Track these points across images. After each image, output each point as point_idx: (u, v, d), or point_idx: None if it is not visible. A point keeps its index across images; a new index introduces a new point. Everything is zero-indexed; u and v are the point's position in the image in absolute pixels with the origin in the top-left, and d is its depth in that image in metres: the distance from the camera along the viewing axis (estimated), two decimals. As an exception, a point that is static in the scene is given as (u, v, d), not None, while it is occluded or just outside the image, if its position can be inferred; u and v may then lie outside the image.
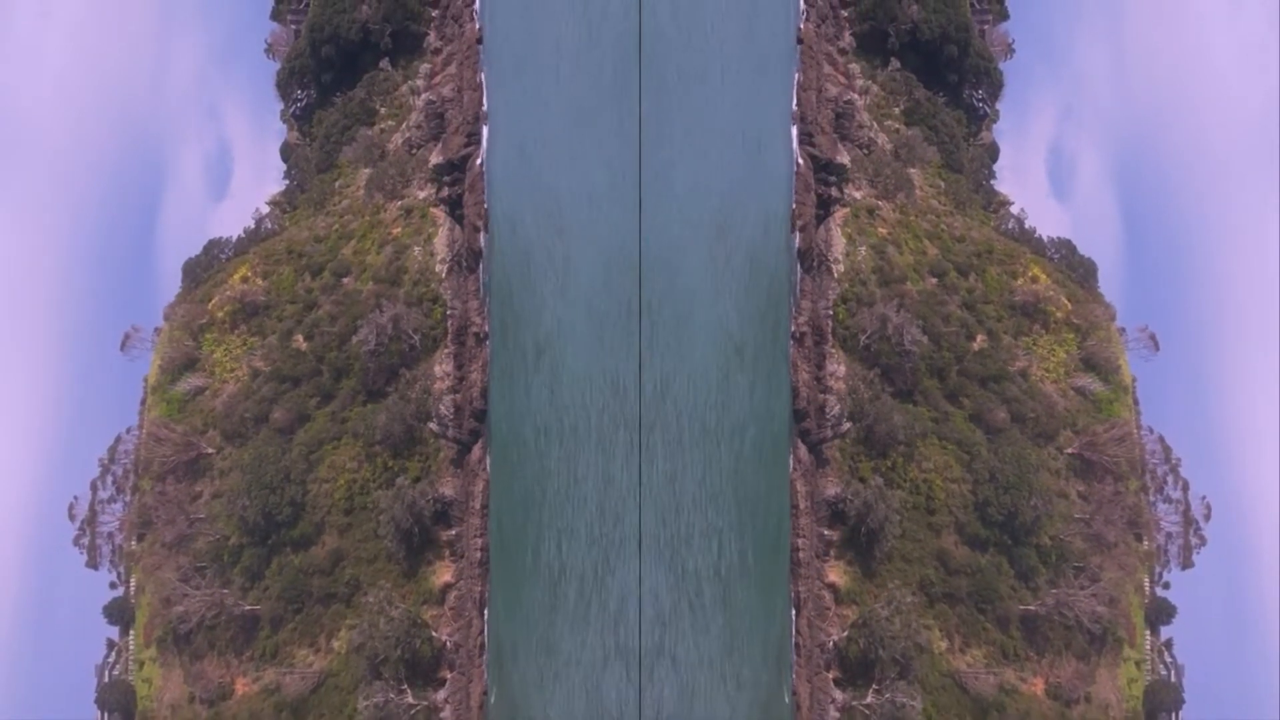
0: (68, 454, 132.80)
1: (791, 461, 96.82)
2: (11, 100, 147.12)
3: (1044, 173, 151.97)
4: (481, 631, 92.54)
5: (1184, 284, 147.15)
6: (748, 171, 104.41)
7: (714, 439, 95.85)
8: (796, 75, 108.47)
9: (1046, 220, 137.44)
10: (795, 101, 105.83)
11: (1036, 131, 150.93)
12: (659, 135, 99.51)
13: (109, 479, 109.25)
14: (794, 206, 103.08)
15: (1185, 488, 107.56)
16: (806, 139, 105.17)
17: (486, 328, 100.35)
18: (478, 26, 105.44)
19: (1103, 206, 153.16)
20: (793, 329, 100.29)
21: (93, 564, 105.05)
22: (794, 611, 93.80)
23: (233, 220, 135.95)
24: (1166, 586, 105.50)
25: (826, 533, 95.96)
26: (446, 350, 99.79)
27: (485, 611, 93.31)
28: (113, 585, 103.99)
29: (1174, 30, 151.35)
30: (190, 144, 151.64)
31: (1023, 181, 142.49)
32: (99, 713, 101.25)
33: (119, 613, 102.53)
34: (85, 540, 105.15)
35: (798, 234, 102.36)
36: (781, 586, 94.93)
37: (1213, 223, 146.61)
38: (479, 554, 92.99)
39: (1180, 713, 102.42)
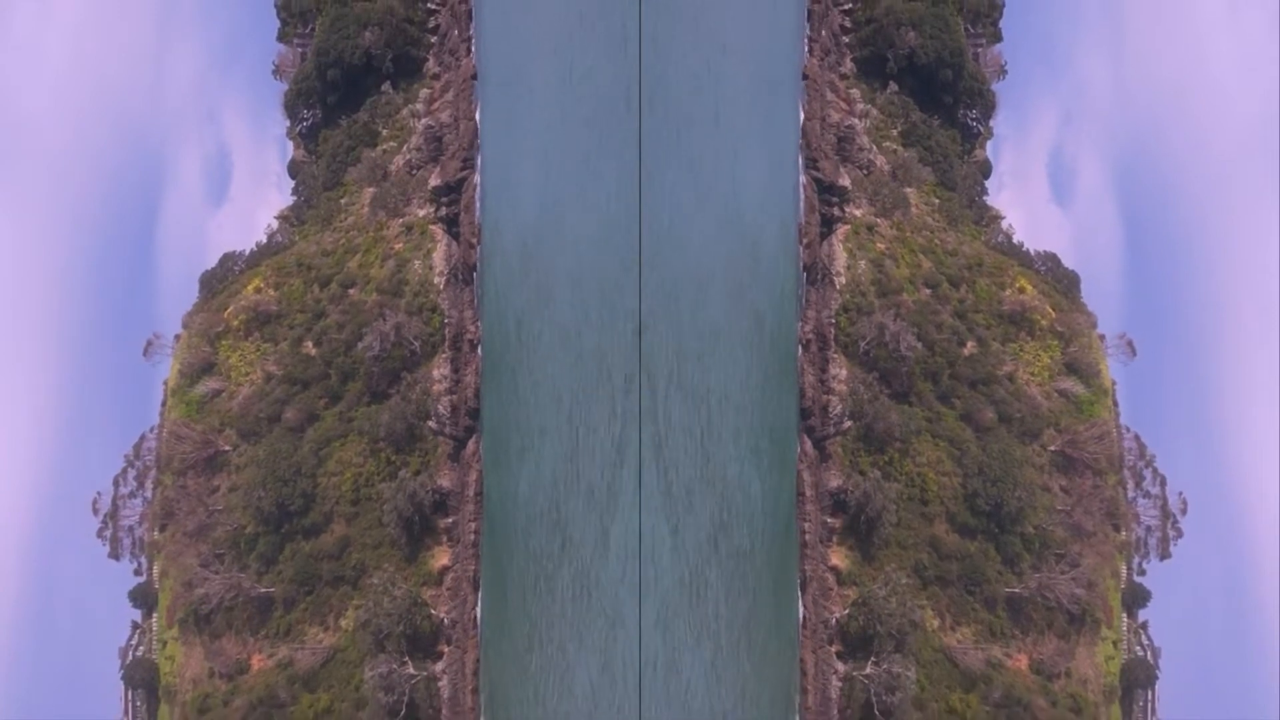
0: (69, 453, 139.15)
1: (798, 455, 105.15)
2: (12, 103, 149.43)
3: (1045, 179, 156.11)
4: (475, 607, 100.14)
5: (1185, 287, 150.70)
6: (758, 193, 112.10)
7: (723, 436, 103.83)
8: (801, 107, 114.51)
9: (1048, 225, 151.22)
10: (801, 131, 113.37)
11: (1037, 138, 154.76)
12: (662, 160, 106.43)
13: (130, 475, 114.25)
14: (800, 225, 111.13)
15: (1163, 483, 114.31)
16: (811, 164, 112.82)
17: (480, 335, 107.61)
18: (473, 62, 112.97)
19: (1104, 211, 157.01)
20: (799, 336, 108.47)
21: (115, 555, 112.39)
22: (800, 590, 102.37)
23: (232, 224, 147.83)
24: (1142, 573, 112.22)
25: (829, 520, 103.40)
26: (444, 355, 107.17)
27: (479, 590, 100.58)
28: (136, 573, 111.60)
29: (1174, 36, 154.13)
30: (189, 148, 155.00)
31: (1024, 188, 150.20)
32: (124, 689, 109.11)
33: (142, 597, 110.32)
34: (108, 533, 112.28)
35: (803, 250, 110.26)
36: (789, 567, 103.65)
37: (1213, 226, 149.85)
38: (473, 538, 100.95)
39: (1155, 688, 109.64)
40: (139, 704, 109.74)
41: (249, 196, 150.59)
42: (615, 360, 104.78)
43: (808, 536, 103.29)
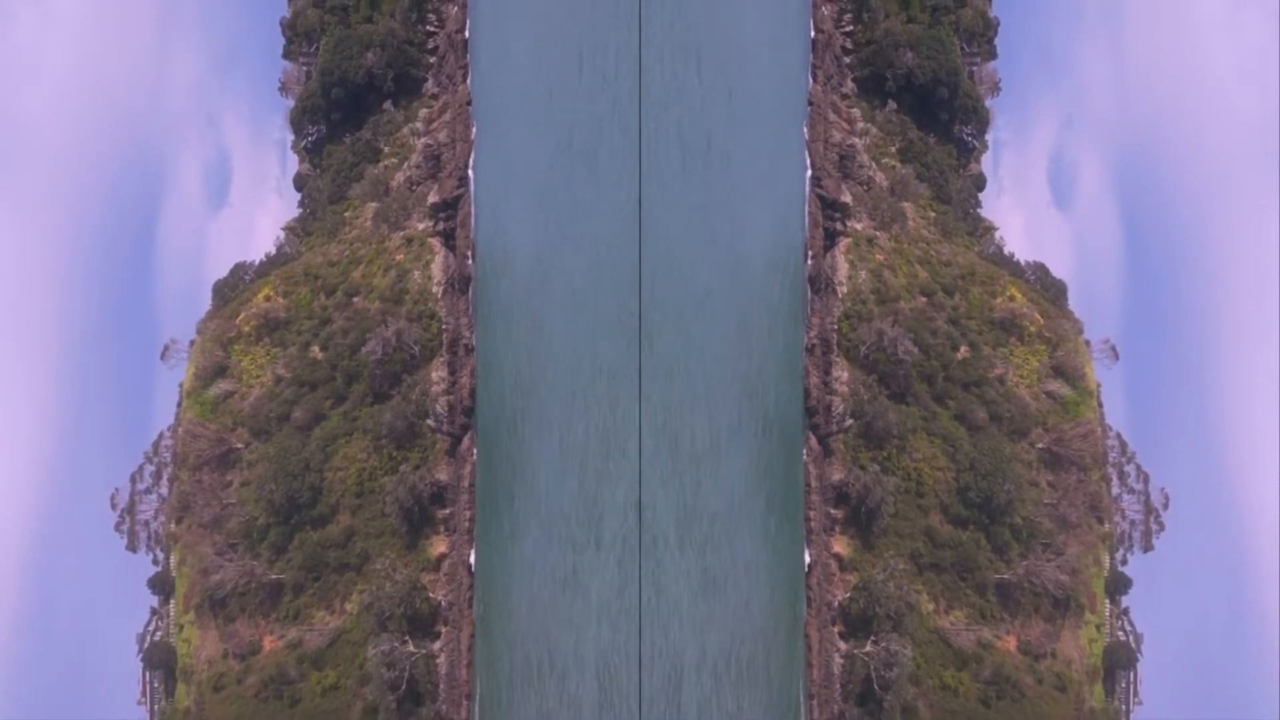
0: (69, 453, 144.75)
1: (804, 450, 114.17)
2: (12, 105, 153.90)
3: (1045, 182, 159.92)
4: (469, 588, 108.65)
5: (1185, 288, 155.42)
6: (766, 212, 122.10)
7: (729, 434, 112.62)
8: (806, 130, 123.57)
9: (1048, 229, 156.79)
10: (806, 152, 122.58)
11: (1038, 142, 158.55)
12: (665, 183, 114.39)
13: (146, 471, 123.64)
14: (805, 239, 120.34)
15: (1146, 480, 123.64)
16: (816, 182, 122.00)
17: (474, 340, 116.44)
18: (468, 88, 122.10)
19: (1104, 214, 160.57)
20: (805, 341, 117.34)
21: (132, 547, 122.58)
22: (806, 574, 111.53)
23: (232, 227, 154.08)
24: (1124, 563, 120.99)
25: (832, 511, 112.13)
26: (441, 359, 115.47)
27: (473, 574, 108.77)
28: (154, 563, 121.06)
29: (1174, 40, 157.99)
30: (190, 151, 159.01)
31: (1024, 192, 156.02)
32: (142, 670, 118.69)
33: (160, 584, 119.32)
34: (125, 526, 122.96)
35: (808, 262, 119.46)
36: (795, 554, 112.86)
37: (1214, 227, 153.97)
38: (468, 526, 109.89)
39: (1137, 670, 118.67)
40: (157, 685, 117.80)
41: (249, 201, 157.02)
42: (613, 364, 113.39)
43: (813, 525, 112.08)
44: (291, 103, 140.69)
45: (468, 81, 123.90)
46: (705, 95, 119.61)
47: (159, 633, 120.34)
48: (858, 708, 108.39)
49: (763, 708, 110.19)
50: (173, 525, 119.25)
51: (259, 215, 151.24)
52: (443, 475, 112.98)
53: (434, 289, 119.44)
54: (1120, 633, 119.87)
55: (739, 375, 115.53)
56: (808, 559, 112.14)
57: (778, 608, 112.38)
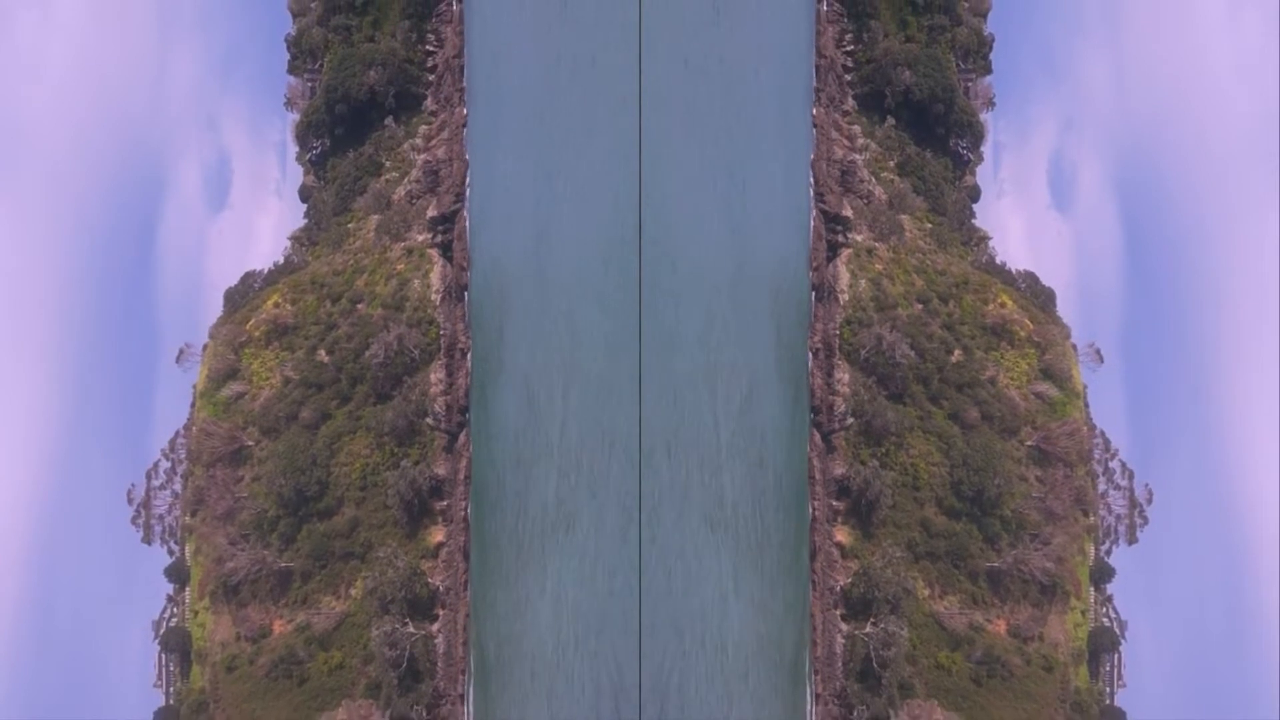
0: (70, 454, 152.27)
1: (809, 446, 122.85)
2: (12, 109, 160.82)
3: (1045, 184, 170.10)
4: (465, 573, 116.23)
5: (1185, 289, 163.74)
6: (774, 226, 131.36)
7: (736, 432, 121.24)
8: (811, 150, 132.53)
9: (1048, 231, 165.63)
10: (811, 171, 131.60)
11: (1037, 143, 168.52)
12: (669, 202, 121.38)
13: (161, 468, 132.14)
14: (809, 251, 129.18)
15: (1130, 476, 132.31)
16: (819, 198, 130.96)
17: (470, 344, 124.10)
18: (464, 111, 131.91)
19: (1104, 215, 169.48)
20: (809, 345, 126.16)
21: (147, 540, 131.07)
22: (810, 560, 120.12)
23: (232, 229, 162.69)
24: (1109, 554, 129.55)
25: (835, 503, 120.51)
26: (440, 362, 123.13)
27: (469, 560, 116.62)
28: (169, 554, 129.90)
29: (1173, 41, 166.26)
30: (189, 154, 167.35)
31: (1024, 194, 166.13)
32: (159, 653, 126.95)
33: (176, 573, 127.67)
34: (141, 520, 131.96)
35: (812, 272, 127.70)
36: (801, 543, 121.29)
37: (1213, 227, 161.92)
38: (463, 514, 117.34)
39: (1121, 653, 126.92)
40: (172, 668, 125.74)
41: (249, 203, 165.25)
42: (611, 368, 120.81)
43: (817, 514, 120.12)
44: (295, 116, 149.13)
45: (464, 103, 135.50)
46: (706, 109, 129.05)
47: (175, 619, 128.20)
48: (858, 684, 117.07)
49: (771, 685, 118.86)
50: (188, 518, 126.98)
51: (259, 217, 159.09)
52: (441, 469, 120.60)
53: (433, 297, 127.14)
54: (1105, 619, 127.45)
55: (741, 381, 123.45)
56: (812, 547, 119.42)
57: (786, 592, 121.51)
